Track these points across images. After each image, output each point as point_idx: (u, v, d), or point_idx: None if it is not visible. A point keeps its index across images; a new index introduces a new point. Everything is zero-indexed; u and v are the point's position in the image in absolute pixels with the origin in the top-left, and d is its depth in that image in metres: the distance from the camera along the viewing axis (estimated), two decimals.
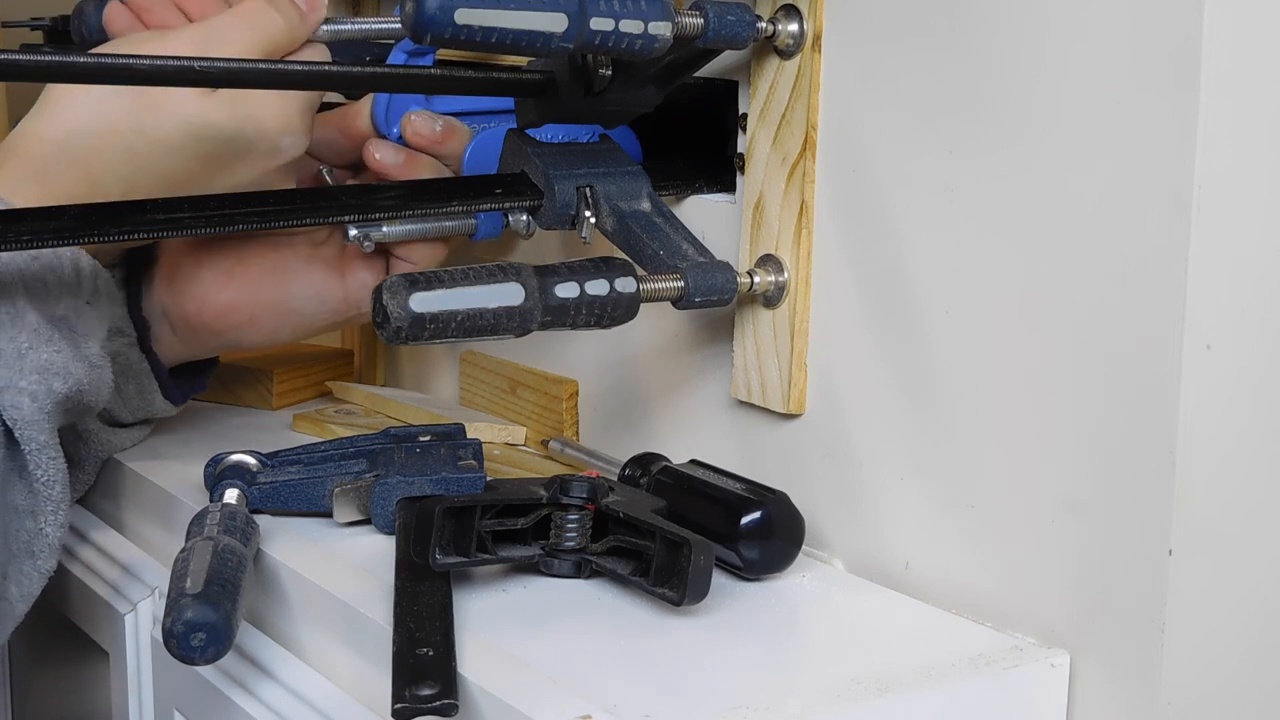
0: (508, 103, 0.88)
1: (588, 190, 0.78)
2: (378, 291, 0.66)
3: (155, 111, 0.80)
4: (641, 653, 0.65)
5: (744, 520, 0.71)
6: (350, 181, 0.94)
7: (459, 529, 0.69)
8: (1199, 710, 0.64)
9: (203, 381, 0.96)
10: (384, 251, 0.91)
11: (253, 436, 0.95)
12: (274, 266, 0.90)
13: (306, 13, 0.83)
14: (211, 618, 0.66)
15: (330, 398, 1.06)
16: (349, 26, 0.86)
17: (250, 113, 0.81)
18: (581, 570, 0.72)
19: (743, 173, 0.79)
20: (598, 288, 0.70)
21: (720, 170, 0.82)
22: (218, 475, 0.81)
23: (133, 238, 0.72)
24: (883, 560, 0.74)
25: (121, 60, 0.71)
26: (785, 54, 0.75)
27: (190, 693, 0.77)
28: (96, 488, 0.92)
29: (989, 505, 0.69)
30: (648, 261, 0.75)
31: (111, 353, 0.87)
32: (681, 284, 0.73)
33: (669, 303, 0.74)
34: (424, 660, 0.62)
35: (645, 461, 0.79)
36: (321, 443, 0.84)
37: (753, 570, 0.72)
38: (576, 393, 0.93)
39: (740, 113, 0.79)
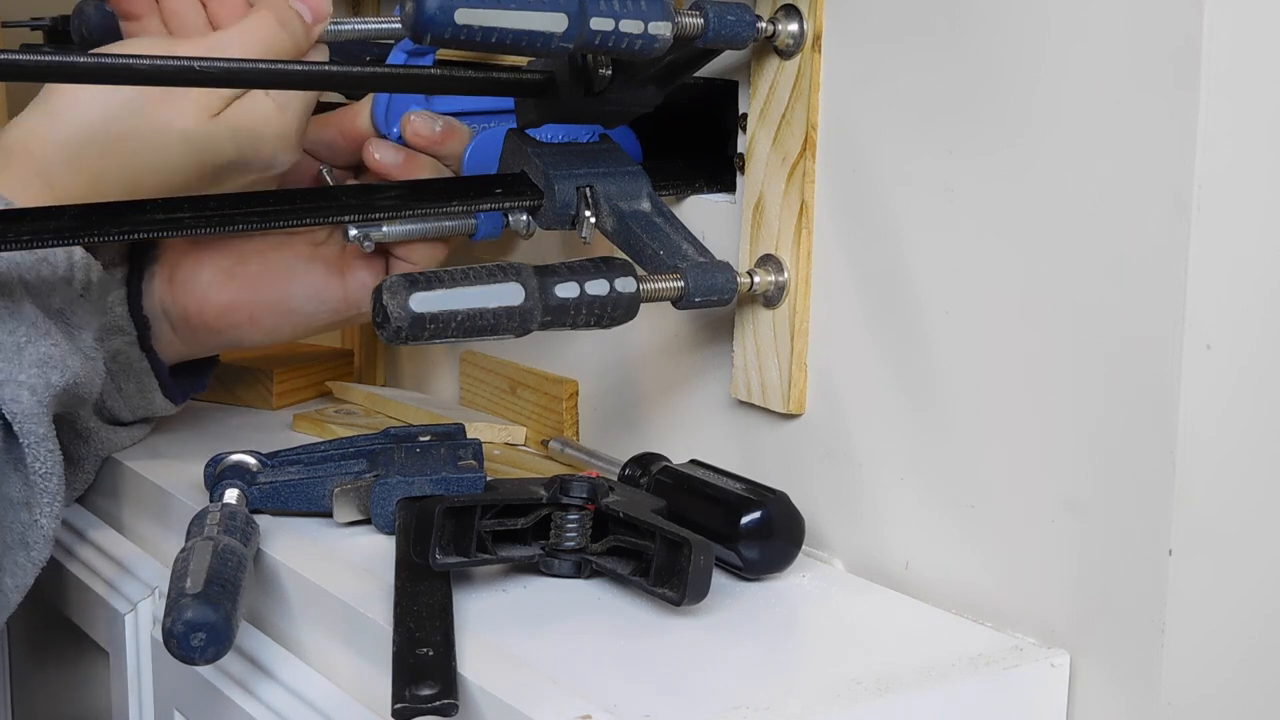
0: (508, 103, 0.88)
1: (588, 190, 0.78)
2: (378, 291, 0.66)
3: (160, 129, 0.81)
4: (641, 653, 0.65)
5: (744, 520, 0.71)
6: (350, 181, 0.94)
7: (459, 529, 0.69)
8: (1199, 710, 0.64)
9: (203, 381, 0.96)
10: (384, 251, 0.91)
11: (253, 436, 0.95)
12: (274, 266, 0.90)
13: (311, 25, 0.84)
14: (211, 618, 0.66)
15: (330, 398, 1.06)
16: (349, 26, 0.86)
17: (251, 133, 0.82)
18: (581, 570, 0.72)
19: (743, 173, 0.79)
20: (598, 288, 0.70)
21: (720, 170, 0.82)
22: (218, 475, 0.81)
23: (132, 237, 0.73)
24: (883, 560, 0.74)
25: (122, 60, 0.71)
26: (785, 54, 0.75)
27: (190, 693, 0.77)
28: (96, 487, 0.92)
29: (989, 505, 0.69)
30: (648, 261, 0.75)
31: (112, 351, 0.87)
32: (681, 284, 0.73)
33: (669, 303, 0.74)
34: (424, 660, 0.62)
35: (645, 461, 0.79)
36: (321, 443, 0.84)
37: (753, 570, 0.72)
38: (576, 393, 0.93)
39: (740, 113, 0.79)
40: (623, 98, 0.78)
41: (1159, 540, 0.62)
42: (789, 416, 0.78)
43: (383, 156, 0.88)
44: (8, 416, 0.74)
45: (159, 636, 0.77)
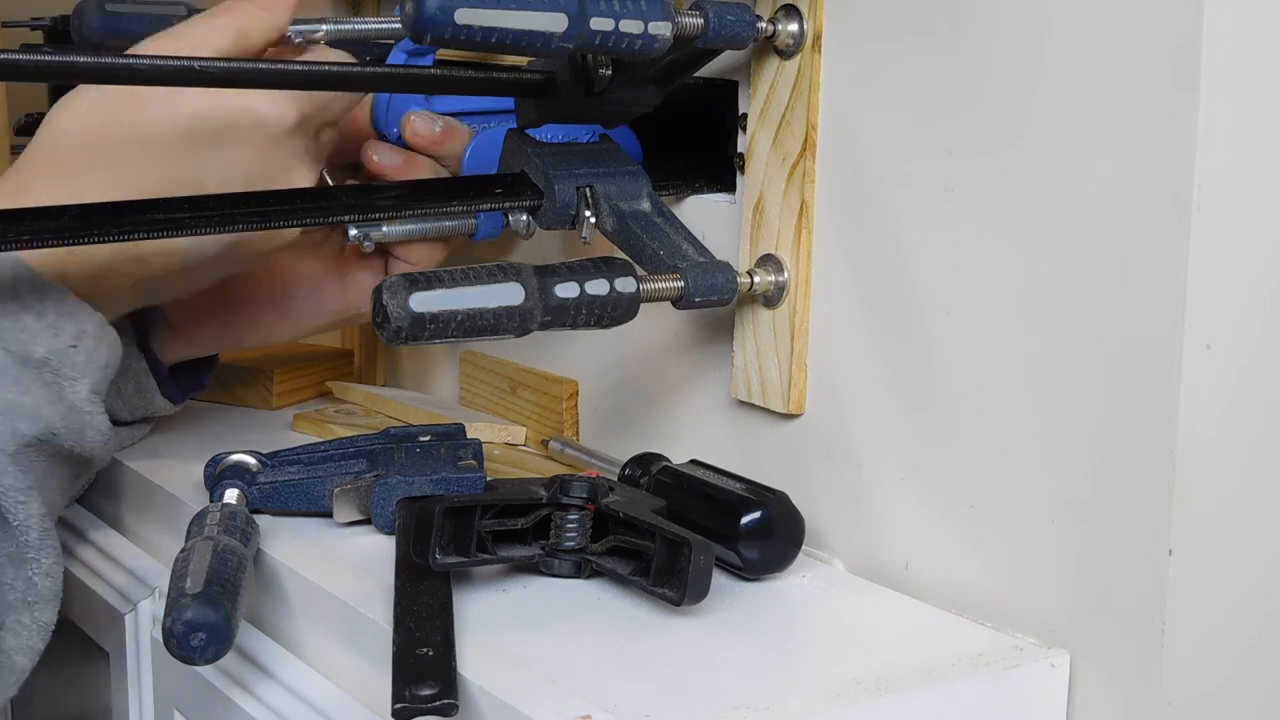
0: (508, 103, 0.88)
1: (588, 190, 0.78)
2: (378, 291, 0.66)
3: (158, 105, 0.78)
4: (641, 653, 0.65)
5: (744, 520, 0.71)
6: (350, 181, 0.94)
7: (459, 529, 0.69)
8: (1199, 710, 0.64)
9: (202, 380, 0.96)
10: (384, 251, 0.91)
11: (253, 436, 0.95)
12: (274, 266, 0.90)
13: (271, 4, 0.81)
14: (211, 618, 0.66)
15: (330, 398, 1.06)
16: (349, 26, 0.86)
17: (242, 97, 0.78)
18: (581, 570, 0.72)
19: (743, 173, 0.79)
20: (598, 288, 0.70)
21: (720, 170, 0.82)
22: (218, 475, 0.81)
23: (132, 237, 0.72)
24: (883, 560, 0.74)
25: (121, 60, 0.71)
26: (785, 54, 0.75)
27: (190, 693, 0.77)
28: (96, 487, 0.92)
29: (989, 505, 0.69)
30: (648, 261, 0.75)
31: None
32: (681, 284, 0.73)
33: (669, 303, 0.74)
34: (424, 660, 0.62)
35: (645, 461, 0.79)
36: (321, 443, 0.84)
37: (753, 570, 0.72)
38: (576, 393, 0.93)
39: (740, 113, 0.79)
40: (623, 98, 0.78)
41: (1159, 540, 0.62)
42: (789, 416, 0.78)
43: (381, 158, 0.88)
44: None
45: (159, 636, 0.76)
